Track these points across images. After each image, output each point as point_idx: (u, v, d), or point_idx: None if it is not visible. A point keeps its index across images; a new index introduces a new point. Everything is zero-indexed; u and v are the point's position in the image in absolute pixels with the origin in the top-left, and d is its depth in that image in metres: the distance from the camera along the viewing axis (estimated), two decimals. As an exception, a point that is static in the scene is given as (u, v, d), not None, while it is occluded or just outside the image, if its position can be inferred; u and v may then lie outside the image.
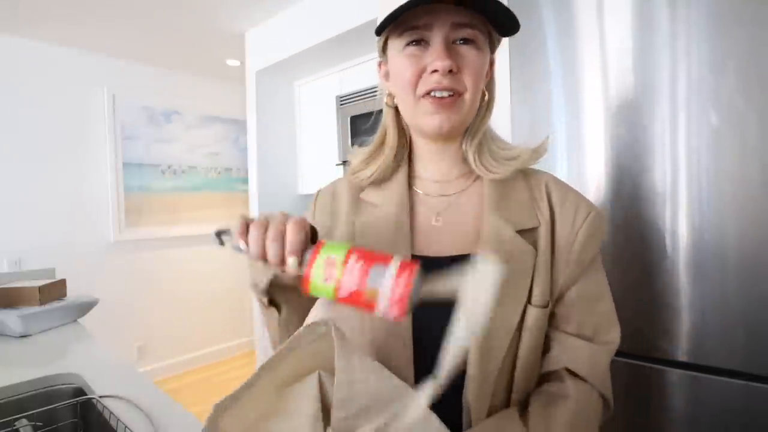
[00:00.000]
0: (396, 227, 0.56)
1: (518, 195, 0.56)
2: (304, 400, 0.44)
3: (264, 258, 0.44)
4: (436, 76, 0.50)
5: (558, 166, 1.08)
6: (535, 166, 0.62)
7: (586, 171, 1.03)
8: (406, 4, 0.46)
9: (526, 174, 0.60)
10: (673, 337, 0.91)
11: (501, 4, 0.48)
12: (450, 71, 0.49)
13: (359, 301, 0.41)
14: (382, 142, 0.62)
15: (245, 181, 3.25)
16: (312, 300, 0.59)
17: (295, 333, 0.46)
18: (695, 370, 0.89)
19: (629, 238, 0.96)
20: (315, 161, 2.57)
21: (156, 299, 3.07)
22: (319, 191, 0.68)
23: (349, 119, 2.22)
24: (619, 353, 0.98)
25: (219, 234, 0.46)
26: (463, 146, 0.58)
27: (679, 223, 0.90)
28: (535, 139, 1.11)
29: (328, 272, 0.41)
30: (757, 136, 0.81)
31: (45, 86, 2.60)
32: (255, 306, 2.53)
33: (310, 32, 2.11)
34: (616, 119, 0.98)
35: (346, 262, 0.41)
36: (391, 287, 0.40)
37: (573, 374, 0.54)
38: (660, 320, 0.93)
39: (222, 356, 3.40)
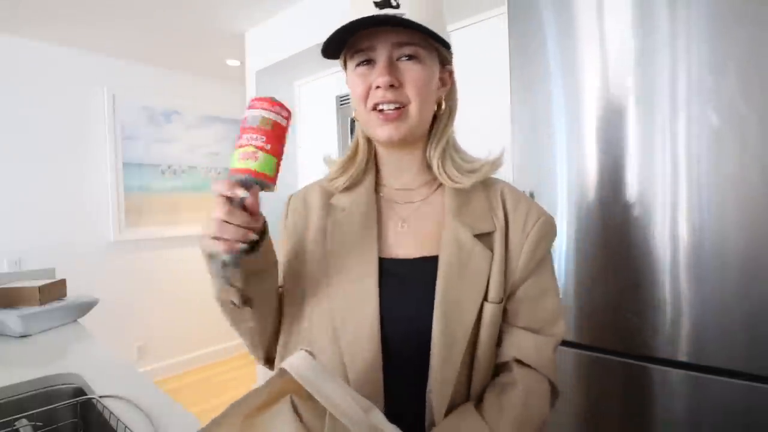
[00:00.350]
0: (363, 231, 0.61)
1: (477, 202, 0.61)
2: (279, 423, 0.44)
3: (240, 228, 0.50)
4: (380, 90, 0.55)
5: (558, 166, 1.08)
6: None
7: (585, 171, 1.03)
8: (338, 30, 0.53)
9: (484, 182, 0.64)
10: (673, 337, 0.91)
11: (421, 26, 0.52)
12: (392, 86, 0.55)
13: (270, 131, 0.51)
14: (356, 151, 0.67)
15: (245, 181, 3.24)
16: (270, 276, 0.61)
17: (269, 378, 0.47)
18: (696, 371, 0.89)
19: (629, 238, 0.96)
20: (315, 161, 2.56)
21: (156, 299, 3.07)
22: (290, 197, 0.72)
23: (349, 119, 2.22)
24: (619, 353, 0.99)
25: (216, 263, 0.52)
26: (428, 153, 0.63)
27: (679, 223, 0.90)
28: (535, 139, 1.11)
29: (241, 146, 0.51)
30: (757, 138, 0.81)
31: (45, 86, 2.60)
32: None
33: (310, 32, 2.11)
34: (616, 120, 0.99)
35: (239, 138, 0.52)
36: (267, 107, 0.52)
37: (522, 363, 0.59)
38: (660, 320, 0.93)
39: (222, 356, 3.40)
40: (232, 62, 2.97)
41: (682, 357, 0.90)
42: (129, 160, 2.93)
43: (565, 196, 1.07)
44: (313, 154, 2.58)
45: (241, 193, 0.49)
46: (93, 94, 2.79)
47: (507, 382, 0.58)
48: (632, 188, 0.96)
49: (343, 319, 0.57)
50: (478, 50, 1.71)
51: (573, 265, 1.06)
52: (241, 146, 0.51)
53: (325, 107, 2.42)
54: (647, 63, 0.93)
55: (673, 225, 0.91)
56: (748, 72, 0.82)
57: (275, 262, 0.61)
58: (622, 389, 0.99)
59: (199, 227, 0.51)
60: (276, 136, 0.52)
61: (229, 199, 0.49)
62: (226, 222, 0.49)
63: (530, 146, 1.13)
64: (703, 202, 0.87)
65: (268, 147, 0.51)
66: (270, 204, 0.72)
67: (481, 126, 1.70)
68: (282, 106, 0.53)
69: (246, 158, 0.50)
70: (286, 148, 0.54)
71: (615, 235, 0.99)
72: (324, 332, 0.59)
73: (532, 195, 1.12)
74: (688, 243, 0.89)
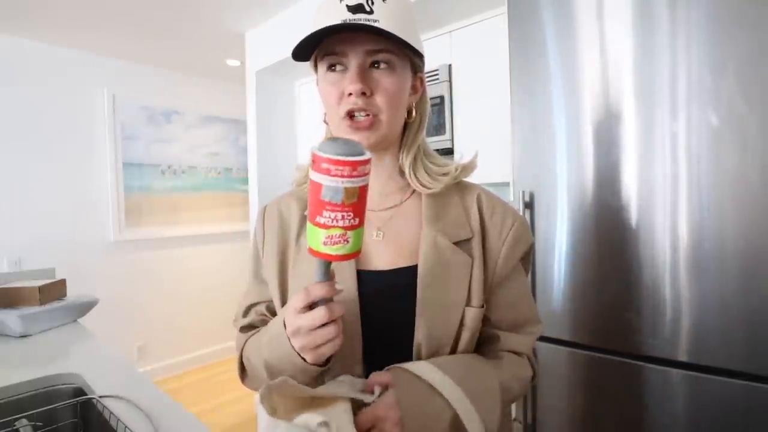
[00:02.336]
0: None
1: (453, 208, 0.62)
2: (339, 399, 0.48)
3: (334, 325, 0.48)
4: (352, 98, 0.54)
5: (558, 166, 1.08)
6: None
7: (585, 171, 1.03)
8: (313, 33, 0.52)
9: (460, 187, 0.65)
10: (673, 337, 0.91)
11: (395, 35, 0.51)
12: (363, 93, 0.54)
13: (356, 203, 0.43)
14: None
15: (245, 181, 3.24)
16: None
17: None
18: (695, 370, 0.89)
19: (629, 238, 0.97)
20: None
21: (156, 299, 3.06)
22: (265, 209, 0.70)
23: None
24: (619, 353, 0.99)
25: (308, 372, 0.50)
26: (400, 160, 0.63)
27: (679, 223, 0.90)
28: (535, 139, 1.11)
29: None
30: (757, 137, 0.82)
31: (45, 86, 2.60)
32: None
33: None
34: (616, 120, 0.99)
35: (317, 213, 0.44)
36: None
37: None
38: (660, 320, 0.93)
39: (222, 356, 3.40)
40: (232, 62, 2.97)
41: (682, 357, 0.90)
42: (129, 160, 2.92)
43: (565, 196, 1.07)
44: (313, 154, 2.58)
45: (336, 289, 0.46)
46: (93, 94, 2.79)
47: (500, 349, 0.62)
48: (632, 188, 0.96)
49: None
50: (478, 50, 1.71)
51: (573, 265, 1.06)
52: (323, 226, 0.43)
53: (325, 107, 2.41)
54: (647, 63, 0.94)
55: (673, 225, 0.91)
56: (748, 72, 0.82)
57: None
58: (622, 389, 0.99)
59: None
60: (363, 203, 0.43)
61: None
62: (324, 325, 0.47)
63: (530, 146, 1.13)
64: (703, 202, 0.87)
65: (357, 221, 0.43)
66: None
67: (481, 126, 1.70)
68: (365, 161, 0.42)
69: (335, 243, 0.43)
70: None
71: (615, 235, 0.99)
72: None
73: (531, 195, 1.12)
74: (687, 243, 0.89)
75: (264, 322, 0.67)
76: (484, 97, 1.68)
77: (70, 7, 2.15)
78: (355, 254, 0.45)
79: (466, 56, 1.75)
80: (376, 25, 0.51)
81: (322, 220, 0.43)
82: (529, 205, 1.12)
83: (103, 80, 2.82)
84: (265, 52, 2.40)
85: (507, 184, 1.21)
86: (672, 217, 0.91)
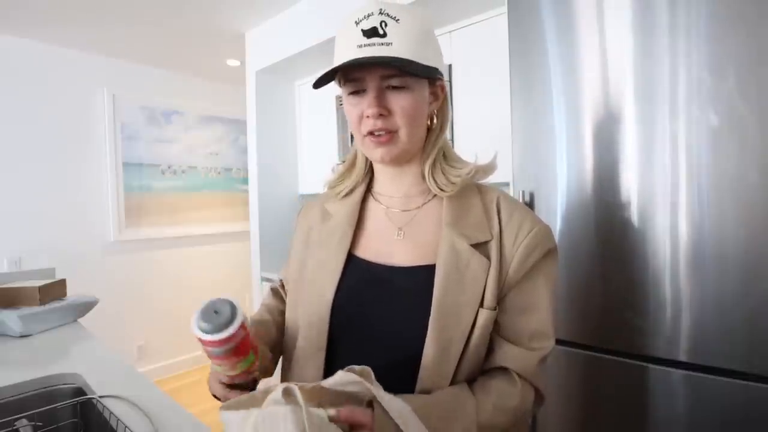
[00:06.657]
0: (340, 235, 0.68)
1: (473, 212, 0.64)
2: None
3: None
4: (371, 120, 0.59)
5: (558, 165, 1.08)
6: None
7: (585, 171, 1.03)
8: (335, 68, 0.58)
9: (481, 191, 0.67)
10: (673, 337, 0.91)
11: (405, 61, 0.55)
12: (381, 115, 0.58)
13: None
14: (353, 163, 0.73)
15: (245, 181, 3.24)
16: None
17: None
18: (695, 370, 0.89)
19: (629, 238, 0.97)
20: (315, 161, 2.57)
21: (156, 299, 3.06)
22: (301, 210, 0.80)
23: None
24: (618, 353, 0.99)
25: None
26: (421, 165, 0.66)
27: (679, 222, 0.90)
28: (535, 139, 1.11)
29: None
30: (756, 137, 0.82)
31: (45, 86, 2.60)
32: (254, 305, 2.53)
33: (310, 32, 2.11)
34: (616, 120, 0.99)
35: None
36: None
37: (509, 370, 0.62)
38: (660, 320, 0.93)
39: (222, 356, 3.40)
40: (232, 62, 2.97)
41: (682, 357, 0.90)
42: (129, 160, 2.92)
43: (564, 196, 1.07)
44: (313, 153, 2.58)
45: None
46: (93, 94, 2.79)
47: (497, 372, 0.61)
48: (632, 188, 0.96)
49: (304, 304, 0.65)
50: (478, 50, 1.71)
51: (572, 265, 1.06)
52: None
53: (325, 107, 2.42)
54: (647, 63, 0.94)
55: (673, 225, 0.91)
56: (748, 72, 0.82)
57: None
58: (622, 389, 0.99)
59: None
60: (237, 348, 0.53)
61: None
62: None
63: (530, 146, 1.13)
64: (703, 202, 0.87)
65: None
66: (287, 202, 0.72)
67: (481, 126, 1.70)
68: (222, 341, 0.52)
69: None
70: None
71: (615, 235, 0.99)
72: (290, 320, 0.68)
73: (531, 195, 1.12)
74: (687, 243, 0.89)
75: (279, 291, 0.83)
76: (484, 97, 1.68)
77: (71, 7, 2.15)
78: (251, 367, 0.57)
79: (466, 56, 1.75)
80: (388, 49, 0.55)
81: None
82: (529, 205, 1.12)
83: (103, 80, 2.82)
84: (265, 52, 2.40)
85: (507, 184, 1.21)
86: (672, 217, 0.91)
